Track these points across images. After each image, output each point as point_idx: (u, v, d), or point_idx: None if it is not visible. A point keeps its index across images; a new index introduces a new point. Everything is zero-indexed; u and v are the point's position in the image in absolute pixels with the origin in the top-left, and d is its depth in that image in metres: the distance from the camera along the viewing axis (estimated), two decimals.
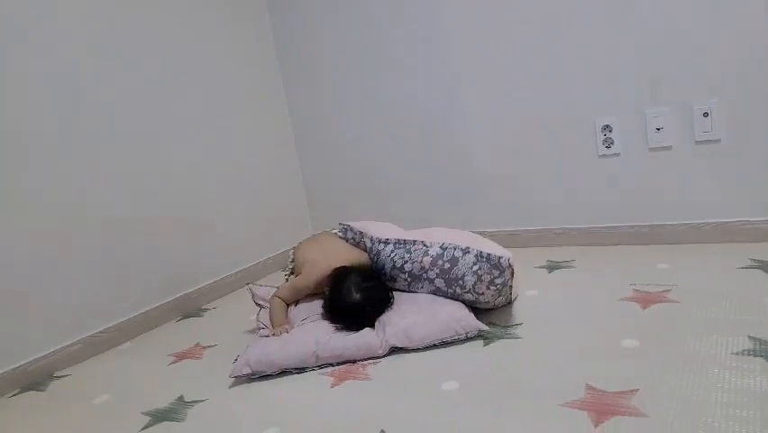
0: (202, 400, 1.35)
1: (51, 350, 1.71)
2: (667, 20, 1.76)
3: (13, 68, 1.66)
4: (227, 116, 2.32)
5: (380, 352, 1.40)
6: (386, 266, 1.62)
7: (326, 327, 1.49)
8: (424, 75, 2.22)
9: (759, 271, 1.54)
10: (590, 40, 1.89)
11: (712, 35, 1.71)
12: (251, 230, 2.39)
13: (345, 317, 1.48)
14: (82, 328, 1.78)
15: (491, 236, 1.63)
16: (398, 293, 1.62)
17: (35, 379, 1.66)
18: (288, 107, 2.62)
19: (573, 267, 1.86)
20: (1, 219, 1.61)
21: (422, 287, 1.57)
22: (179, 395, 1.40)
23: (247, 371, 1.40)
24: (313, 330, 1.47)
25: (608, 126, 1.93)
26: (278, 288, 1.70)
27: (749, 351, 1.14)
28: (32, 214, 1.68)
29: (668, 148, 1.85)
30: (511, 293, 1.55)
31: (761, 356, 1.11)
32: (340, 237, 1.83)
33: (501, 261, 1.45)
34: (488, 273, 1.46)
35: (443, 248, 1.54)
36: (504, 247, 1.55)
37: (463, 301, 1.51)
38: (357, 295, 1.48)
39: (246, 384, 1.40)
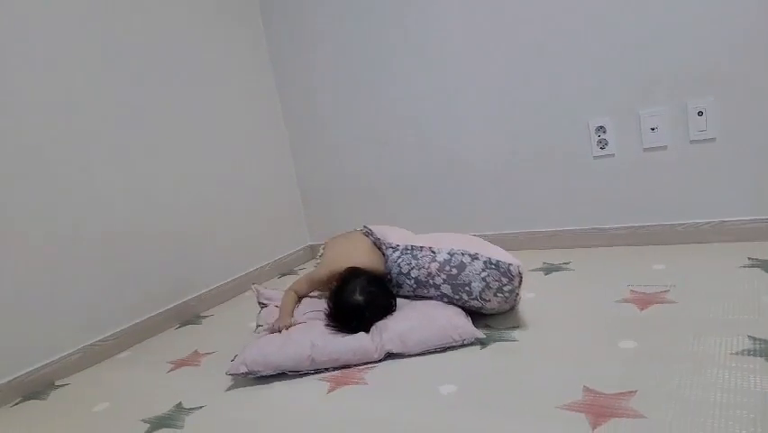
0: (200, 407, 1.35)
1: (52, 359, 1.71)
2: (660, 19, 1.77)
3: (13, 72, 1.66)
4: (222, 126, 2.32)
5: (376, 356, 1.40)
6: (392, 271, 1.62)
7: (324, 328, 1.49)
8: (419, 77, 2.23)
9: (758, 269, 1.54)
10: (583, 41, 1.90)
11: (706, 34, 1.71)
12: (248, 237, 2.39)
13: (344, 316, 1.49)
14: (82, 337, 1.79)
15: (487, 239, 1.63)
16: (399, 299, 1.61)
17: (36, 388, 1.66)
18: (282, 115, 2.62)
19: (570, 269, 1.86)
20: (2, 231, 1.62)
21: (428, 293, 1.56)
22: (178, 402, 1.40)
23: (243, 370, 1.40)
24: (310, 332, 1.47)
25: (602, 127, 1.93)
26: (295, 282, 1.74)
27: (749, 351, 1.14)
28: (32, 224, 1.68)
29: (663, 148, 1.86)
30: (516, 300, 1.55)
31: (761, 356, 1.11)
32: (368, 238, 1.82)
33: (511, 268, 1.45)
34: (496, 281, 1.45)
35: (451, 254, 1.53)
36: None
37: (469, 308, 1.51)
38: (359, 297, 1.48)
39: (244, 390, 1.40)
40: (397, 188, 2.39)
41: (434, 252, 1.56)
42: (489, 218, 2.21)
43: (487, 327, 1.50)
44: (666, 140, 1.84)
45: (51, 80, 1.75)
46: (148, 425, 1.31)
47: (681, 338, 1.24)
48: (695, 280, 1.55)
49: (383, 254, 1.69)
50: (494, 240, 1.64)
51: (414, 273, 1.57)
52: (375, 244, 1.71)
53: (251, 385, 1.41)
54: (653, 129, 1.85)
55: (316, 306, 1.64)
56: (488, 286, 1.46)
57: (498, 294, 1.47)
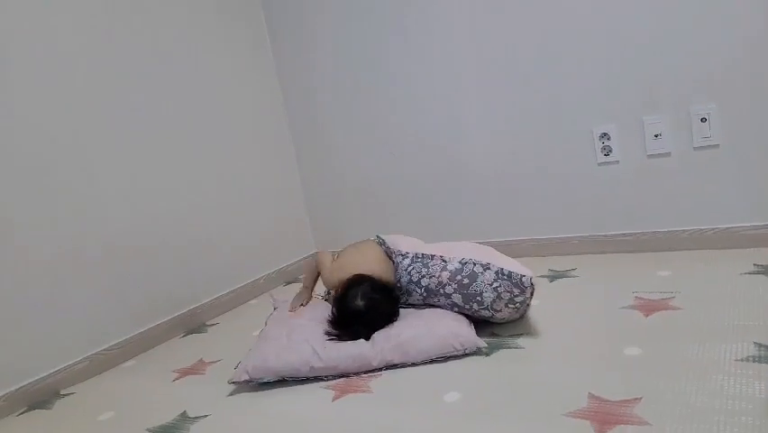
0: (205, 416, 1.35)
1: (57, 368, 1.71)
2: (663, 26, 1.77)
3: (14, 78, 1.68)
4: (226, 133, 2.33)
5: (375, 364, 1.40)
6: (402, 279, 1.62)
7: (323, 335, 1.50)
8: (422, 86, 2.24)
9: (762, 276, 1.53)
10: (586, 48, 1.90)
11: (708, 40, 1.72)
12: (253, 245, 2.39)
13: (345, 321, 1.50)
14: (87, 347, 1.79)
15: (491, 245, 1.63)
16: (405, 307, 1.61)
17: (42, 397, 1.67)
18: (287, 123, 2.63)
19: (575, 276, 1.86)
20: (7, 240, 1.63)
21: (438, 301, 1.56)
22: (183, 411, 1.40)
23: (245, 377, 1.41)
24: (311, 338, 1.48)
25: (605, 134, 1.93)
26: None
27: (754, 357, 1.13)
28: (36, 233, 1.69)
29: (667, 154, 1.86)
30: (527, 311, 1.54)
31: (766, 363, 1.11)
32: (380, 247, 1.82)
33: (523, 279, 1.45)
34: (508, 291, 1.45)
35: (463, 263, 1.53)
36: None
37: (480, 317, 1.51)
38: (360, 303, 1.49)
39: (249, 399, 1.40)
40: (403, 194, 2.39)
41: (445, 260, 1.56)
42: (495, 225, 2.21)
43: (492, 334, 1.50)
44: (670, 146, 1.84)
45: (52, 86, 1.76)
46: None
47: (686, 345, 1.24)
48: (700, 286, 1.54)
49: (394, 263, 1.69)
50: (498, 247, 1.64)
51: (424, 282, 1.57)
52: (386, 253, 1.72)
53: (257, 394, 1.41)
54: (656, 136, 1.85)
55: (321, 310, 1.64)
56: (499, 297, 1.46)
57: (510, 305, 1.47)
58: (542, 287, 1.80)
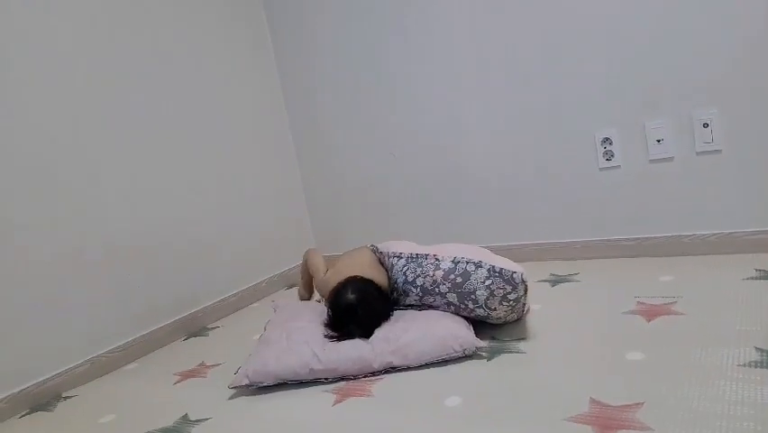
0: (206, 419, 1.35)
1: (59, 371, 1.72)
2: (665, 30, 1.77)
3: (16, 82, 1.68)
4: (227, 134, 2.34)
5: (375, 366, 1.40)
6: (398, 280, 1.63)
7: (323, 337, 1.50)
8: (422, 86, 2.24)
9: (765, 281, 1.53)
10: (588, 52, 1.90)
11: (710, 45, 1.72)
12: (254, 248, 2.40)
13: (338, 318, 1.51)
14: (89, 349, 1.79)
15: (493, 250, 1.63)
16: (402, 309, 1.62)
17: (43, 400, 1.67)
18: (289, 125, 2.64)
19: (577, 280, 1.85)
20: (7, 241, 1.63)
21: (434, 301, 1.57)
22: (184, 414, 1.40)
23: (245, 382, 1.42)
24: (311, 340, 1.48)
25: (607, 139, 1.93)
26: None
27: (756, 362, 1.13)
28: (37, 236, 1.70)
29: (669, 159, 1.85)
30: (524, 309, 1.55)
31: None
32: (373, 254, 1.83)
33: (514, 276, 1.45)
34: (500, 288, 1.46)
35: (455, 262, 1.54)
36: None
37: (476, 317, 1.51)
38: (351, 296, 1.52)
39: (251, 403, 1.40)
40: (403, 194, 2.39)
41: (438, 259, 1.58)
42: (496, 229, 2.21)
43: (493, 338, 1.49)
44: (672, 151, 1.84)
45: (52, 86, 1.76)
46: None
47: (688, 350, 1.23)
48: (702, 291, 1.54)
49: (386, 270, 1.70)
50: (500, 251, 1.64)
51: (419, 281, 1.58)
52: (380, 260, 1.72)
53: (258, 398, 1.41)
54: (659, 141, 1.85)
55: (321, 312, 1.64)
56: (492, 294, 1.46)
57: (504, 302, 1.47)
58: (543, 291, 1.80)
